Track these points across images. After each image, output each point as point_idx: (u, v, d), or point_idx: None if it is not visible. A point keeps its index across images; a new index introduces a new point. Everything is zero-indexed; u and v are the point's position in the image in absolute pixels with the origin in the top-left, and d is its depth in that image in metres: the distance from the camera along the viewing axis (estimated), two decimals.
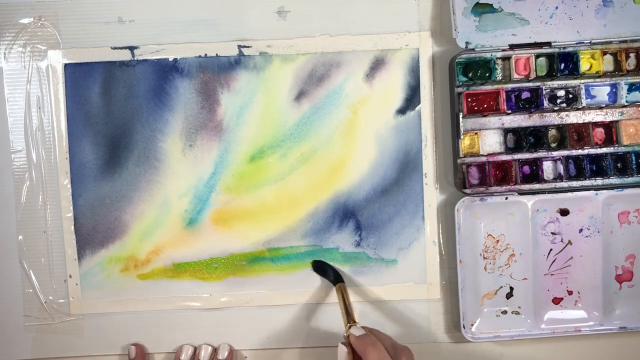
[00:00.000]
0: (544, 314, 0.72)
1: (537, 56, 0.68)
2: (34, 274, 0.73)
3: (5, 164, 0.72)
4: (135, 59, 0.71)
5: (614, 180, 0.69)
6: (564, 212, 0.71)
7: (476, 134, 0.70)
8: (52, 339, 0.74)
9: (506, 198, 0.69)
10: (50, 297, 0.73)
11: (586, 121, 0.70)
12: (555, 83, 0.69)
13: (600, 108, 0.69)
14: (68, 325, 0.74)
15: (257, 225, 0.72)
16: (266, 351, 0.74)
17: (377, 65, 0.71)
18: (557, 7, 0.68)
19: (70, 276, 0.73)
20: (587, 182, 0.70)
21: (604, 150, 0.69)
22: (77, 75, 0.71)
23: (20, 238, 0.72)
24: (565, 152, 0.70)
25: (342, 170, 0.72)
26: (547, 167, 0.70)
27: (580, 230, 0.71)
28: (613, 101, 0.69)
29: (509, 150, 0.70)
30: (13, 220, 0.72)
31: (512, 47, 0.68)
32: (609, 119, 0.69)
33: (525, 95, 0.69)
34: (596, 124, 0.70)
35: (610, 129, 0.70)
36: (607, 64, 0.69)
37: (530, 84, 0.69)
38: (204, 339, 0.73)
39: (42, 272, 0.73)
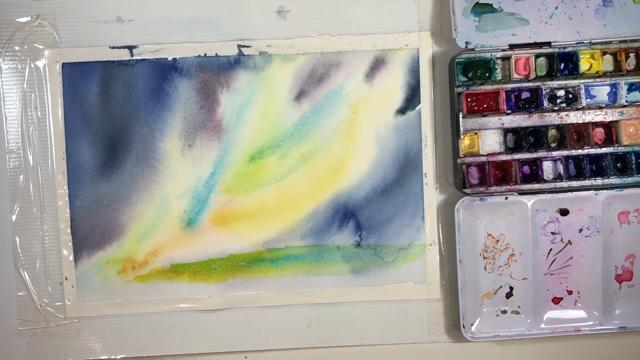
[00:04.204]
0: (543, 313, 0.72)
1: (537, 56, 0.69)
2: (29, 276, 0.72)
3: (0, 163, 0.71)
4: (134, 58, 0.70)
5: (613, 180, 0.70)
6: (564, 212, 0.71)
7: (476, 134, 0.70)
8: (47, 344, 0.73)
9: (506, 198, 0.69)
10: (46, 300, 0.72)
11: (586, 121, 0.70)
12: (555, 83, 0.69)
13: (600, 108, 0.70)
14: (63, 329, 0.73)
15: (256, 225, 0.72)
16: (266, 352, 0.73)
17: (377, 65, 0.71)
18: (557, 7, 0.68)
19: (66, 278, 0.72)
20: (587, 182, 0.70)
21: (604, 150, 0.70)
22: (75, 74, 0.70)
23: (16, 239, 0.71)
24: (565, 152, 0.70)
25: (342, 170, 0.72)
26: (547, 167, 0.70)
27: (580, 230, 0.71)
28: (613, 101, 0.69)
29: (508, 150, 0.70)
30: (8, 221, 0.71)
31: (512, 47, 0.68)
32: (608, 119, 0.70)
33: (525, 95, 0.69)
34: (596, 124, 0.70)
35: (610, 129, 0.70)
36: (607, 64, 0.69)
37: (530, 84, 0.69)
38: (203, 342, 0.73)
39: (37, 274, 0.72)
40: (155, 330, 0.73)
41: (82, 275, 0.72)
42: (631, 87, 0.69)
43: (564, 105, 0.69)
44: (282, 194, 0.72)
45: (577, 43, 0.68)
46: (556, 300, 0.72)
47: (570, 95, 0.69)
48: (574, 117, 0.70)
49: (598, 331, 0.72)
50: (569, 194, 0.70)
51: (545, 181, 0.70)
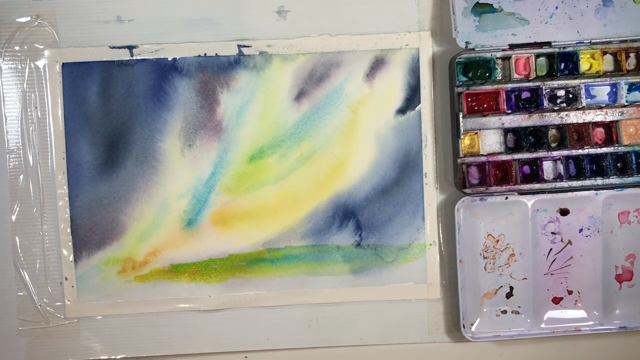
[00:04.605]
0: (543, 313, 0.72)
1: (537, 56, 0.69)
2: (29, 276, 0.72)
3: (0, 163, 0.71)
4: (134, 58, 0.70)
5: (614, 180, 0.70)
6: (564, 212, 0.71)
7: (476, 133, 0.70)
8: (47, 344, 0.73)
9: (506, 198, 0.69)
10: (45, 300, 0.72)
11: (586, 121, 0.70)
12: (555, 83, 0.69)
13: (600, 108, 0.70)
14: (63, 329, 0.73)
15: (256, 225, 0.72)
16: (266, 352, 0.73)
17: (377, 65, 0.71)
18: (557, 7, 0.68)
19: (66, 278, 0.72)
20: (587, 182, 0.70)
21: (604, 150, 0.70)
22: (75, 74, 0.70)
23: (16, 239, 0.71)
24: (565, 152, 0.70)
25: (342, 170, 0.72)
26: (547, 167, 0.70)
27: (580, 230, 0.71)
28: (613, 101, 0.69)
29: (509, 150, 0.70)
30: (8, 221, 0.71)
31: (512, 47, 0.68)
32: (609, 118, 0.70)
33: (525, 95, 0.69)
34: (596, 124, 0.70)
35: (610, 128, 0.70)
36: (607, 63, 0.69)
37: (530, 84, 0.69)
38: (203, 342, 0.73)
39: (37, 274, 0.72)
40: (155, 330, 0.73)
41: (82, 275, 0.72)
42: (631, 87, 0.69)
43: (564, 105, 0.69)
44: (282, 194, 0.72)
45: (577, 43, 0.68)
46: (556, 300, 0.72)
47: (571, 95, 0.69)
48: (574, 117, 0.70)
49: (598, 331, 0.72)
50: (569, 194, 0.70)
51: (546, 181, 0.70)
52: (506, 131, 0.70)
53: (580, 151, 0.70)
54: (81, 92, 0.70)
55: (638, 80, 0.69)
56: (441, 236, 0.73)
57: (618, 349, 0.75)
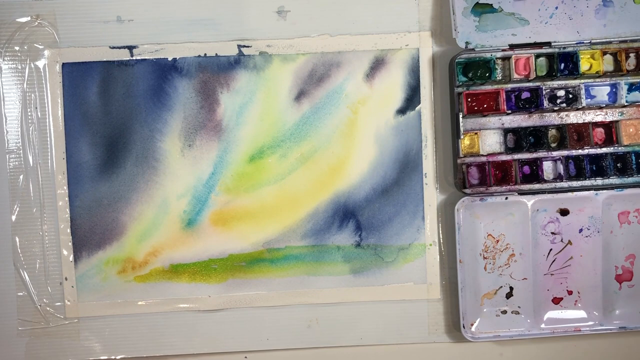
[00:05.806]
0: (543, 313, 0.72)
1: (537, 56, 0.69)
2: (29, 276, 0.72)
3: (0, 163, 0.71)
4: (134, 58, 0.70)
5: (614, 180, 0.70)
6: (564, 212, 0.71)
7: (476, 134, 0.70)
8: (47, 344, 0.73)
9: (506, 198, 0.69)
10: (45, 300, 0.72)
11: (586, 121, 0.70)
12: (555, 83, 0.69)
13: (600, 108, 0.70)
14: (63, 329, 0.73)
15: (256, 225, 0.72)
16: (266, 352, 0.73)
17: (377, 65, 0.71)
18: (557, 7, 0.68)
19: (66, 278, 0.72)
20: (587, 182, 0.70)
21: (604, 150, 0.70)
22: (75, 74, 0.70)
23: (16, 240, 0.71)
24: (565, 152, 0.70)
25: (342, 170, 0.72)
26: (547, 167, 0.70)
27: (580, 230, 0.71)
28: (613, 101, 0.69)
29: (509, 150, 0.70)
30: (8, 221, 0.71)
31: (512, 47, 0.68)
32: (609, 119, 0.70)
33: (525, 95, 0.69)
34: (596, 124, 0.70)
35: (610, 129, 0.70)
36: (607, 64, 0.69)
37: (530, 84, 0.69)
38: (203, 342, 0.73)
39: (37, 274, 0.72)
40: (155, 330, 0.73)
41: (82, 276, 0.72)
42: (631, 87, 0.69)
43: (564, 105, 0.69)
44: (282, 194, 0.72)
45: (577, 43, 0.68)
46: (556, 301, 0.72)
47: (571, 95, 0.69)
48: (574, 117, 0.70)
49: (598, 331, 0.72)
50: (569, 194, 0.70)
51: (546, 181, 0.70)
52: (506, 131, 0.70)
53: (580, 151, 0.70)
54: (81, 92, 0.70)
55: (638, 80, 0.69)
56: (441, 236, 0.73)
57: (618, 349, 0.75)
